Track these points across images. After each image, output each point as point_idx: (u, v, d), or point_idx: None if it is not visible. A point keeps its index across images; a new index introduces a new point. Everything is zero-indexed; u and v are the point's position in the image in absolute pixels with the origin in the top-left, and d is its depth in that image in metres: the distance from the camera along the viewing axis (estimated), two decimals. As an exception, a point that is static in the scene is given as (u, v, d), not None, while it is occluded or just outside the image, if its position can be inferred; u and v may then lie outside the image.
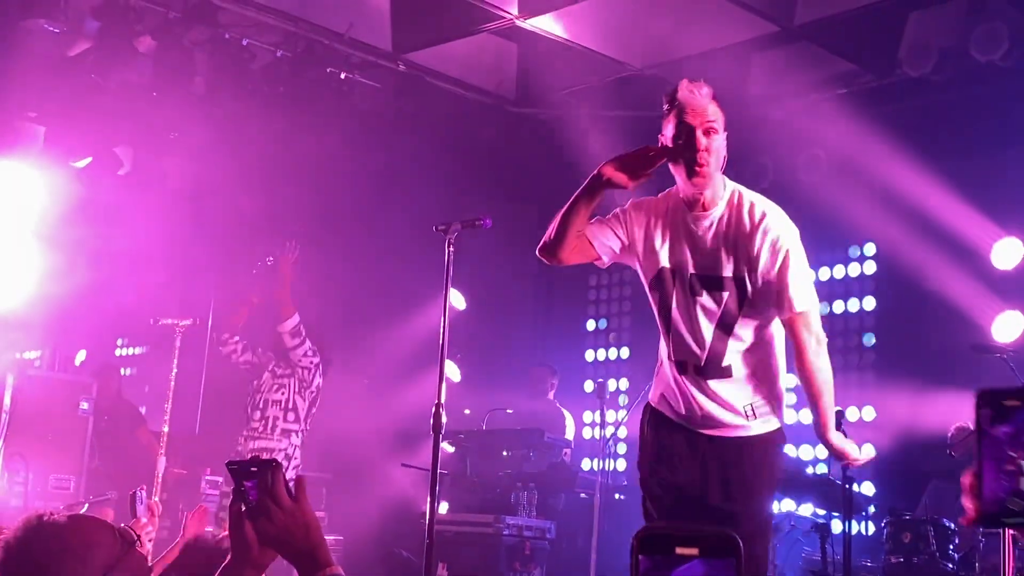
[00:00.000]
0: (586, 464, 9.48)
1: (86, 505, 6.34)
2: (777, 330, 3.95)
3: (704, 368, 3.89)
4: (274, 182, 9.26)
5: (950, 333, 7.74)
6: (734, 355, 3.88)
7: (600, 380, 9.02)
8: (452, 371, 9.99)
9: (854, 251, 8.99)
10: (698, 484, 3.95)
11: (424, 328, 8.94)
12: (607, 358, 10.65)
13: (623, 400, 10.12)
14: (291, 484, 2.09)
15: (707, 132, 3.80)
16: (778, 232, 3.82)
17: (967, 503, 1.49)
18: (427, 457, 4.86)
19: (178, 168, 9.52)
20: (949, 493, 7.11)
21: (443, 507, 8.31)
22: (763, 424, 3.93)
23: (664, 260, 3.93)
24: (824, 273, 9.17)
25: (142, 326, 8.27)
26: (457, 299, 9.91)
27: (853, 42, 8.18)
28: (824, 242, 9.12)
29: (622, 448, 9.88)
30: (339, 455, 9.16)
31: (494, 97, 9.57)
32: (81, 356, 10.25)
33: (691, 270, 3.88)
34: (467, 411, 9.63)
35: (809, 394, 3.87)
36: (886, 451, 8.49)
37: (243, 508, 2.11)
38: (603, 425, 7.96)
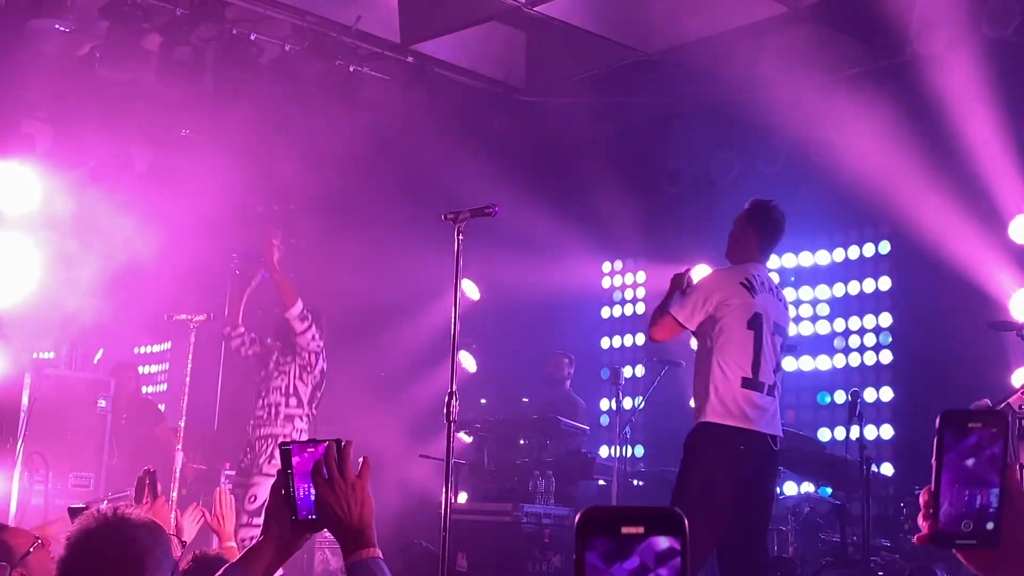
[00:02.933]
0: (604, 451, 9.48)
1: (105, 502, 6.36)
2: (707, 342, 5.49)
3: None
4: (285, 176, 9.28)
5: (968, 311, 7.70)
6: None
7: (616, 367, 8.99)
8: (468, 361, 9.99)
9: (868, 232, 8.95)
10: None
11: (438, 319, 8.95)
12: (623, 345, 10.63)
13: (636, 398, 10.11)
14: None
15: None
16: None
17: (922, 522, 1.48)
18: (444, 447, 4.87)
19: (189, 164, 9.54)
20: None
21: (462, 496, 8.33)
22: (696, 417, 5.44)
23: None
24: (839, 254, 9.15)
25: (159, 323, 8.29)
26: (471, 289, 9.91)
27: (863, 21, 8.13)
28: (838, 223, 9.10)
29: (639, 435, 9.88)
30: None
31: (503, 86, 9.55)
32: (99, 355, 10.27)
33: None
34: (483, 400, 9.64)
35: None
36: (904, 431, 8.48)
37: (284, 492, 2.15)
38: (619, 412, 7.94)
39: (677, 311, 5.48)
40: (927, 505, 1.46)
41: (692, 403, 5.53)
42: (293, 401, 7.24)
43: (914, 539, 1.51)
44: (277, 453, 6.95)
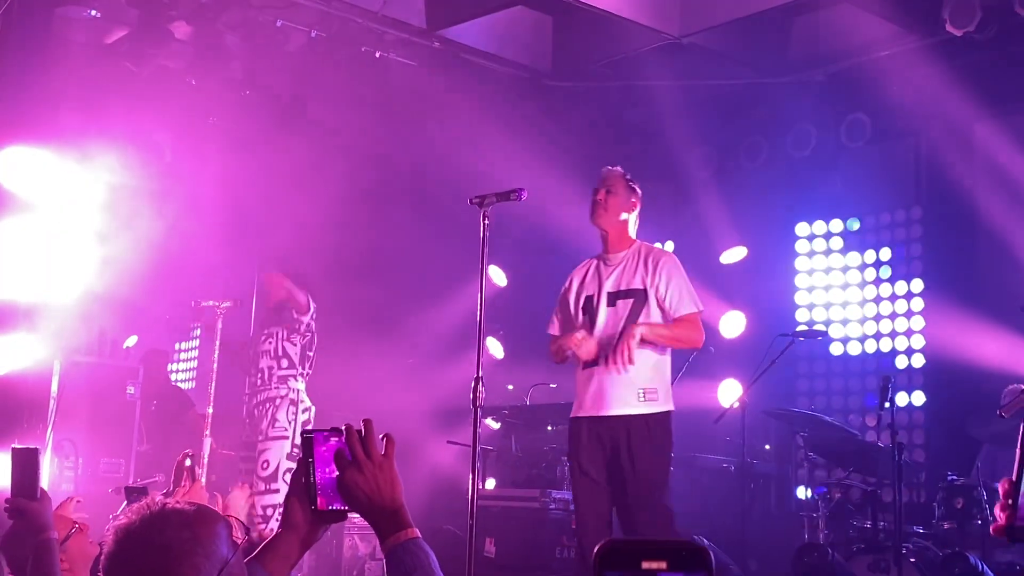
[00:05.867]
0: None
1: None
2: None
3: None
4: (312, 163, 9.27)
5: (1003, 293, 7.61)
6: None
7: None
8: (495, 347, 9.97)
9: (900, 215, 8.84)
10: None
11: (466, 304, 8.91)
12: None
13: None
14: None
15: (604, 191, 5.64)
16: (662, 260, 5.58)
17: (999, 512, 1.41)
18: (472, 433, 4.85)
19: (217, 152, 9.55)
20: (1002, 458, 6.99)
21: (490, 483, 8.32)
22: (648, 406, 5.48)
23: (581, 291, 5.81)
24: (870, 256, 9.01)
25: (186, 310, 8.30)
26: (499, 275, 9.88)
27: (895, 3, 8.03)
28: (870, 206, 8.99)
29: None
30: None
31: (530, 71, 9.49)
32: (128, 342, 10.33)
33: (606, 290, 5.60)
34: (510, 387, 9.61)
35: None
36: (936, 416, 8.39)
37: (304, 480, 2.12)
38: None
39: (699, 304, 5.61)
40: (1006, 495, 1.39)
41: (645, 394, 5.57)
42: (285, 363, 7.27)
43: (991, 529, 1.43)
44: (279, 416, 7.04)
